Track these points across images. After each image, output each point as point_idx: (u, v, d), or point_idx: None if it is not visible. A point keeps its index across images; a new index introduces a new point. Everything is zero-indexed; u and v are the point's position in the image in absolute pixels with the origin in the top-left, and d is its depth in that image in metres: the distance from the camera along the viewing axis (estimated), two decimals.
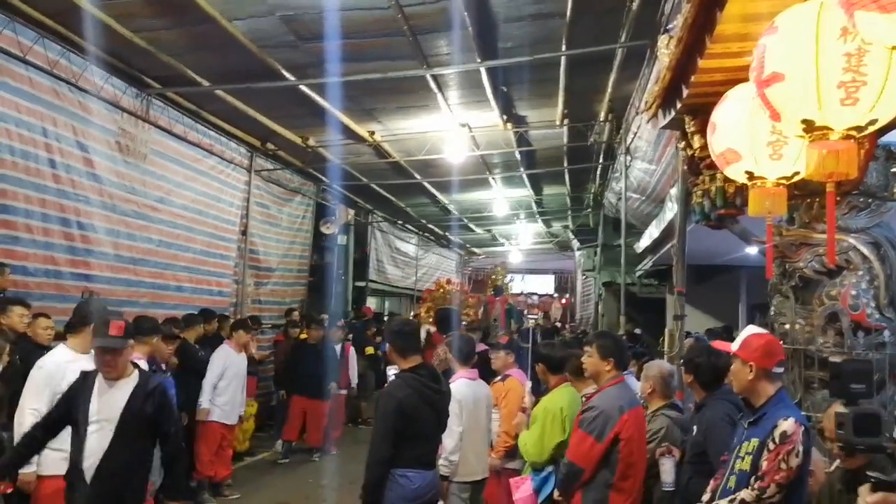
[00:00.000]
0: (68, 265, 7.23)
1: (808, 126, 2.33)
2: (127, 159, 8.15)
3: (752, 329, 3.17)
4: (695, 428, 3.60)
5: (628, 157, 9.30)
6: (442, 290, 12.00)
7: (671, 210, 7.12)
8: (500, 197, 15.53)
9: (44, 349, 5.43)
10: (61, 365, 4.45)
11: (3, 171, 6.47)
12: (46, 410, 4.21)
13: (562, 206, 17.26)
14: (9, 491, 4.29)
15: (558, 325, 20.06)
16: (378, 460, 3.58)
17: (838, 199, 3.53)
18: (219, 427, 7.27)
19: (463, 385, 4.72)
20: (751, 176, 3.18)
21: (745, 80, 3.05)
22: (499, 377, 5.31)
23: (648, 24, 6.25)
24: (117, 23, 6.72)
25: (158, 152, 8.76)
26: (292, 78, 8.03)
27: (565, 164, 12.59)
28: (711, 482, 3.20)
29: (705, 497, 3.16)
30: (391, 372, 3.85)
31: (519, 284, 25.31)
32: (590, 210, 16.00)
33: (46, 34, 6.83)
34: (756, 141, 3.05)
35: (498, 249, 24.94)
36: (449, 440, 4.41)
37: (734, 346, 3.09)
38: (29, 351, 5.32)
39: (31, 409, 4.33)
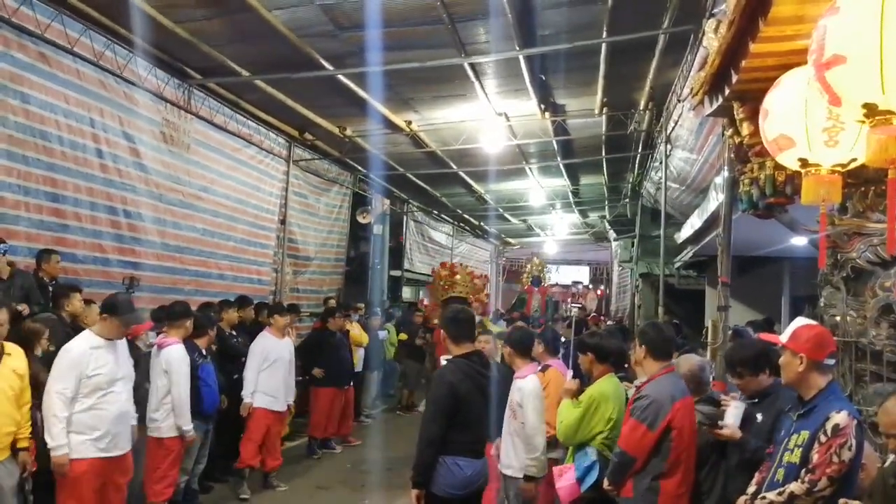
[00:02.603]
0: (115, 253, 7.43)
1: (871, 110, 2.25)
2: (171, 149, 8.32)
3: (801, 320, 3.10)
4: (759, 416, 3.51)
5: (668, 146, 9.15)
6: (444, 279, 11.23)
7: (715, 199, 6.99)
8: (537, 187, 15.44)
9: None
10: (86, 351, 4.59)
11: (53, 160, 6.65)
12: (72, 394, 4.44)
13: (599, 196, 17.09)
14: (34, 469, 4.41)
15: (592, 315, 19.83)
16: (429, 441, 3.63)
17: None
18: (265, 414, 7.03)
19: (536, 381, 4.63)
20: (804, 163, 3.09)
21: (799, 64, 2.97)
22: (539, 367, 5.27)
23: (693, 8, 6.12)
24: (161, 14, 6.82)
25: (201, 142, 8.92)
26: (331, 67, 8.07)
27: (603, 154, 12.44)
28: (756, 475, 3.15)
29: (751, 489, 3.11)
30: (443, 359, 3.85)
31: (554, 275, 25.18)
32: (627, 200, 15.80)
33: (93, 26, 6.98)
34: (811, 127, 2.97)
35: (533, 240, 24.84)
36: (540, 439, 4.39)
37: (783, 338, 3.03)
38: None
39: (57, 391, 4.43)
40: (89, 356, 4.57)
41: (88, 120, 7.07)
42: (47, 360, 4.93)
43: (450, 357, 3.87)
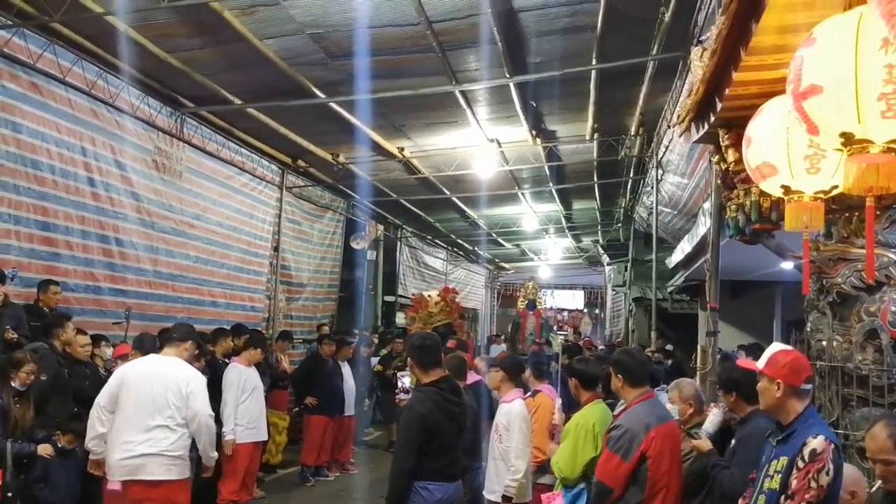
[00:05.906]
0: (108, 281, 7.41)
1: (847, 139, 2.27)
2: (163, 177, 8.34)
3: (777, 346, 3.10)
4: (732, 441, 3.53)
5: (660, 171, 9.22)
6: (431, 306, 11.25)
7: (704, 225, 7.03)
8: (530, 212, 15.50)
9: (82, 364, 5.61)
10: None
11: (45, 189, 6.65)
12: None
13: (592, 220, 17.17)
14: None
15: (585, 339, 19.72)
16: (401, 471, 3.63)
17: (878, 213, 3.46)
18: (248, 448, 6.65)
19: (522, 405, 4.70)
20: (787, 190, 3.11)
21: (781, 92, 3.00)
22: (528, 393, 5.27)
23: (681, 35, 6.21)
24: (153, 44, 6.89)
25: (193, 170, 8.94)
26: (322, 95, 8.13)
27: (595, 179, 12.53)
28: (740, 501, 3.14)
29: None
30: (404, 380, 3.83)
31: (549, 300, 25.14)
32: (620, 225, 15.88)
33: (85, 56, 7.03)
34: (793, 154, 2.99)
35: (527, 264, 24.86)
36: (521, 462, 4.47)
37: (760, 364, 3.03)
38: (71, 365, 5.52)
39: None
40: None
41: (80, 148, 7.09)
42: (38, 391, 4.91)
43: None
